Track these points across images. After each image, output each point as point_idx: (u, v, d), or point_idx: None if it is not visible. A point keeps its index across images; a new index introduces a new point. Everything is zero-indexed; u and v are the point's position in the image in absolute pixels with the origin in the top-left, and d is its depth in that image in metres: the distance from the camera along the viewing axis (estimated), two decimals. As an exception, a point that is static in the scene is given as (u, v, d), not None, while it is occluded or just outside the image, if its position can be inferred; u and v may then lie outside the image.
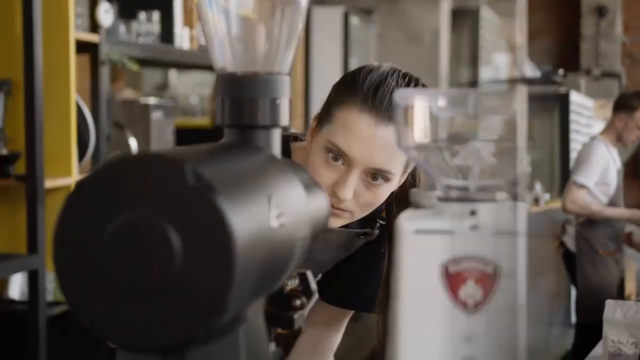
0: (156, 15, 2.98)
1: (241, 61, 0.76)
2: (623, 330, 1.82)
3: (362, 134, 1.21)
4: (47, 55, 2.30)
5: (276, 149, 0.76)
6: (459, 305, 0.65)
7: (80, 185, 0.60)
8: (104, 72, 2.59)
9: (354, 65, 6.16)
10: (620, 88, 8.80)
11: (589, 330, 4.10)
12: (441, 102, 0.67)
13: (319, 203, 0.81)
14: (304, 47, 4.44)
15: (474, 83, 7.30)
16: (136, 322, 0.59)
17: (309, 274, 0.82)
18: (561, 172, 7.24)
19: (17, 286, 2.77)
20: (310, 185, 0.81)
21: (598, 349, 2.08)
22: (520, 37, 5.80)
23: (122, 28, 2.84)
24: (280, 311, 0.82)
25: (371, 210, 1.29)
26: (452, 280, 0.64)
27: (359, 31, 4.85)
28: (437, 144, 0.69)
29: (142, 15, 2.94)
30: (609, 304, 1.88)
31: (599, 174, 4.13)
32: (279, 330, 0.85)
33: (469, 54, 7.28)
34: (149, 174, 0.59)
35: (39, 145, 2.23)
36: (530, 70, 6.08)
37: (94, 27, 2.58)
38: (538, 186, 6.49)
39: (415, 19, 5.56)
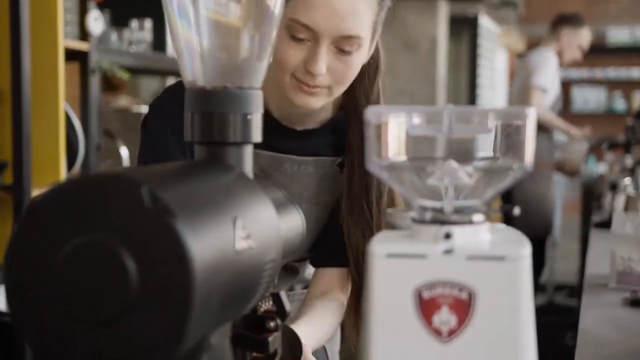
0: (148, 23, 2.96)
1: (211, 75, 0.73)
2: (634, 246, 1.69)
3: (323, 1, 1.17)
4: (35, 64, 2.27)
5: (247, 166, 0.74)
6: (433, 333, 0.62)
7: (33, 205, 0.57)
8: (94, 81, 2.56)
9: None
10: (516, 17, 8.86)
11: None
12: (415, 120, 0.64)
13: (292, 222, 0.78)
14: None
15: (472, 92, 7.29)
16: (90, 351, 0.56)
17: (282, 295, 0.79)
18: (468, 96, 7.24)
19: (3, 297, 2.74)
20: (284, 204, 0.78)
21: (601, 269, 1.88)
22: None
23: (113, 36, 2.81)
24: (254, 334, 0.79)
25: (347, 85, 1.25)
26: (426, 306, 0.62)
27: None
28: (412, 163, 0.66)
29: (134, 23, 2.91)
30: (617, 217, 1.74)
31: (551, 82, 4.16)
32: (254, 354, 0.82)
33: (467, 62, 7.26)
34: (105, 196, 0.56)
35: (26, 154, 2.20)
36: None
37: (84, 35, 2.55)
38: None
39: (412, 27, 5.54)
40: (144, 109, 3.11)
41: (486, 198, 0.65)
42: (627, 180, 2.90)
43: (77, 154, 2.46)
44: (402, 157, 0.65)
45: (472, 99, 7.25)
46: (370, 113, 0.64)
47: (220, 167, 0.70)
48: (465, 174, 0.64)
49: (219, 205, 0.62)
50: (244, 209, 0.65)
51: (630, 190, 2.83)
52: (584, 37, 4.28)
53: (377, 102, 1.35)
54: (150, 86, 5.27)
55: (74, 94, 2.58)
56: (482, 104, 7.15)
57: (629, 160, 4.02)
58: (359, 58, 1.23)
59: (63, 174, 2.38)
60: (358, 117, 1.32)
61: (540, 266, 4.34)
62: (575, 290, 4.78)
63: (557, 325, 3.93)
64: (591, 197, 4.17)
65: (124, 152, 2.84)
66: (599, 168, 6.29)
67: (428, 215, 0.64)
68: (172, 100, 1.31)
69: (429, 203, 0.65)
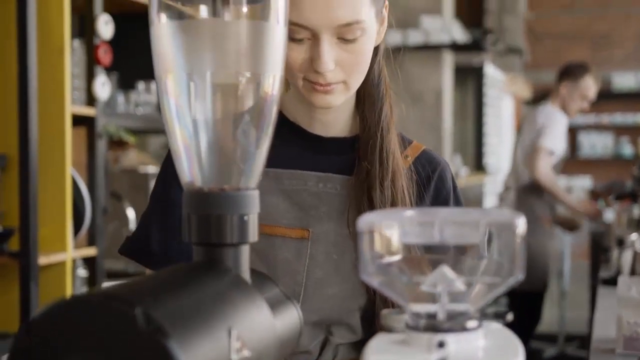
0: (154, 85, 3.00)
1: (209, 176, 0.74)
2: None
3: None
4: (42, 130, 2.30)
5: (244, 265, 0.74)
6: None
7: (29, 325, 0.58)
8: (101, 145, 2.59)
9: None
10: (522, 64, 8.91)
11: (524, 299, 4.04)
12: (407, 227, 0.65)
13: (288, 319, 0.78)
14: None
15: (479, 140, 7.31)
16: None
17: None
18: (475, 145, 7.23)
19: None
20: (280, 301, 0.78)
21: (609, 331, 1.85)
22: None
23: (120, 98, 2.85)
24: None
25: (364, 75, 1.17)
26: (420, 417, 0.62)
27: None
28: (404, 270, 0.66)
29: (141, 85, 2.95)
30: (622, 280, 1.72)
31: (560, 144, 4.10)
32: None
33: (473, 110, 7.30)
34: (100, 316, 0.57)
35: (33, 221, 2.22)
36: (460, 34, 5.95)
37: (91, 100, 2.58)
38: (458, 159, 6.41)
39: (417, 80, 5.59)
40: (151, 169, 3.14)
41: (480, 304, 0.66)
42: (634, 236, 2.89)
43: (84, 219, 2.47)
44: (395, 265, 0.66)
45: (479, 147, 7.28)
46: (362, 222, 0.65)
47: (216, 271, 0.71)
48: (458, 280, 0.65)
49: (214, 317, 0.63)
50: (239, 318, 0.66)
51: (638, 246, 2.81)
52: (585, 87, 4.23)
53: (379, 84, 1.25)
54: (158, 142, 5.32)
55: (81, 157, 2.61)
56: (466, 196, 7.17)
57: (636, 211, 4.00)
58: (367, 43, 1.14)
59: (70, 240, 2.39)
60: (368, 97, 1.24)
61: (535, 320, 4.28)
62: (587, 341, 4.73)
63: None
64: (599, 249, 4.15)
65: (131, 213, 2.85)
66: (608, 215, 6.25)
67: (421, 323, 0.65)
68: None
69: (422, 308, 0.65)
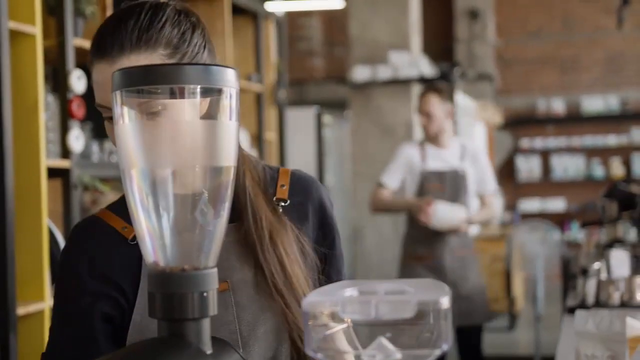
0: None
1: (171, 257, 0.82)
2: (597, 343, 1.73)
3: (103, 82, 1.15)
4: (18, 183, 2.36)
5: (205, 337, 0.82)
6: None
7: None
8: (76, 196, 2.66)
9: (329, 164, 6.29)
10: (493, 90, 9.06)
11: (464, 334, 4.09)
12: (347, 307, 0.73)
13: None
14: (279, 148, 4.55)
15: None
16: None
17: None
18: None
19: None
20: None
21: None
22: (415, 34, 5.72)
23: (95, 147, 2.91)
24: None
25: None
26: None
27: (333, 128, 4.97)
28: (344, 342, 0.74)
29: (114, 133, 3.01)
30: (580, 314, 1.76)
31: (402, 174, 4.08)
32: None
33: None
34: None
35: (10, 272, 2.27)
36: (428, 68, 6.06)
37: (66, 152, 2.65)
38: None
39: (388, 113, 5.70)
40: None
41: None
42: (597, 265, 2.97)
43: (61, 268, 2.53)
44: (336, 339, 0.74)
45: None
46: (305, 303, 0.73)
47: (178, 346, 0.79)
48: (396, 351, 0.73)
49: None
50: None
51: (603, 275, 2.88)
52: (420, 104, 4.13)
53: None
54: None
55: (57, 207, 2.67)
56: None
57: (603, 237, 4.08)
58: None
59: (47, 289, 2.45)
60: None
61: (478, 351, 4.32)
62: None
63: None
64: (568, 274, 4.24)
65: (107, 259, 2.90)
66: (580, 235, 6.36)
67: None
68: (83, 237, 1.28)
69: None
